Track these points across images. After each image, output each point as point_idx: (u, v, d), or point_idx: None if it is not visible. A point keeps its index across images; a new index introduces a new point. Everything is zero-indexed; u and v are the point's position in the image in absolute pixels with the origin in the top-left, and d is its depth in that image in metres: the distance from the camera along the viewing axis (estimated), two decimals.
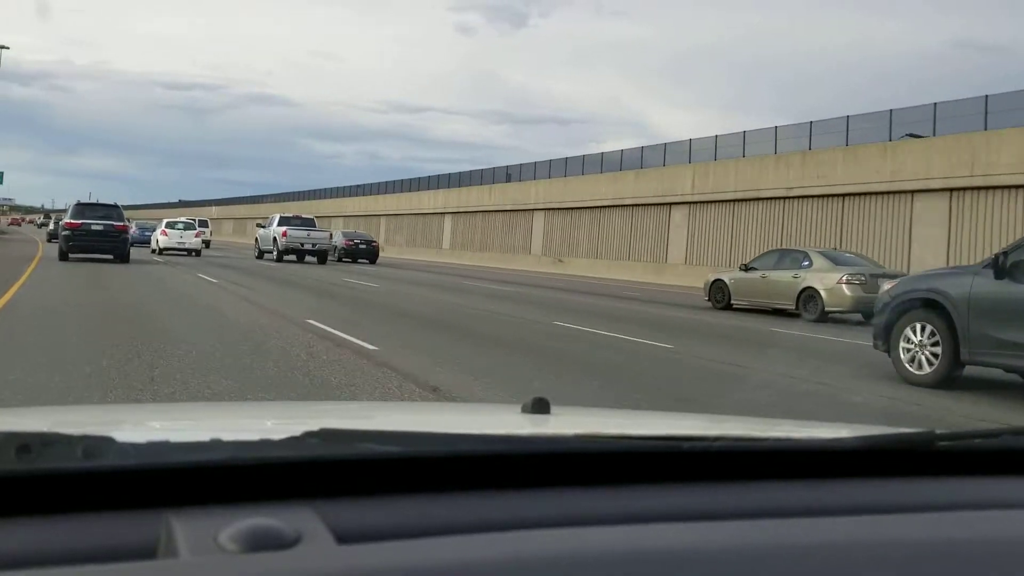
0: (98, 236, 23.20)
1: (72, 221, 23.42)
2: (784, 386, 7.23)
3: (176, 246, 34.17)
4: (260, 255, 35.13)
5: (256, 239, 36.69)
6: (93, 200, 27.02)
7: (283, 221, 34.46)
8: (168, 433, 1.28)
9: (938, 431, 1.05)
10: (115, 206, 25.04)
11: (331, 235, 36.01)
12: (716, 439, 1.03)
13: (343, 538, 0.72)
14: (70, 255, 22.79)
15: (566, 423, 1.43)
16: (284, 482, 0.80)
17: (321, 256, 33.39)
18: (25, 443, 0.79)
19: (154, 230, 37.66)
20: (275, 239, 33.34)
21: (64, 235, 23.49)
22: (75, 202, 25.46)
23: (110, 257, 23.15)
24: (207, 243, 44.79)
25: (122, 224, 23.87)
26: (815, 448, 1.06)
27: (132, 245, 28.78)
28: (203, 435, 0.99)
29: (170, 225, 36.13)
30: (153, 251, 34.51)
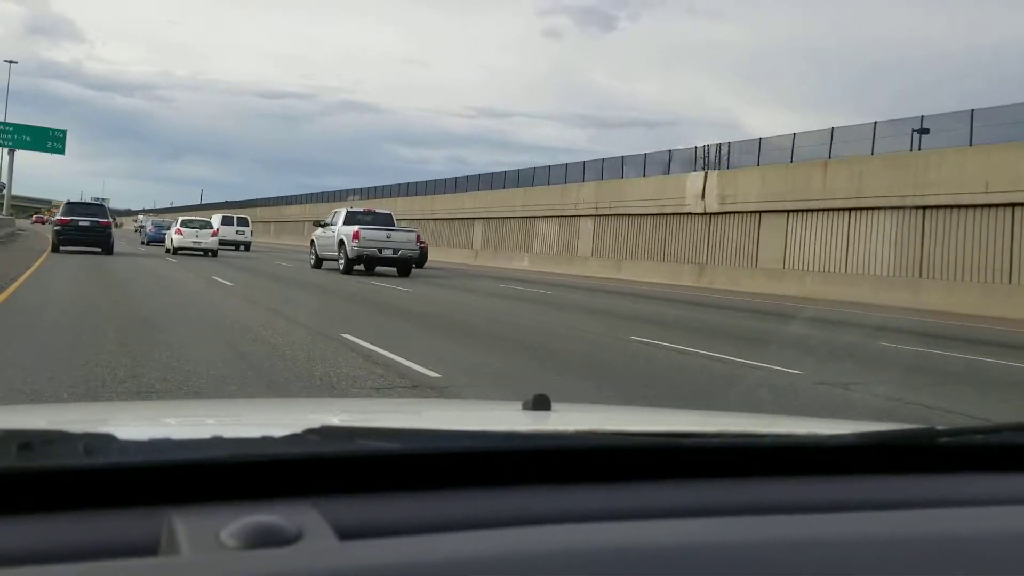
0: (85, 231, 27.15)
1: (62, 218, 27.59)
2: None
3: (191, 246, 32.41)
4: (318, 263, 26.25)
5: (312, 243, 27.07)
6: (84, 199, 35.51)
7: (351, 218, 24.95)
8: (169, 430, 1.28)
9: (938, 427, 1.05)
10: (101, 205, 30.94)
11: (418, 236, 25.06)
12: (716, 435, 1.03)
13: (344, 534, 0.72)
14: (61, 248, 26.60)
15: (566, 420, 1.43)
16: (285, 479, 0.80)
17: (404, 266, 24.18)
18: (26, 441, 0.80)
19: (169, 228, 36.58)
20: (342, 243, 23.93)
21: (55, 230, 27.53)
22: (65, 201, 29.75)
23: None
24: (247, 245, 42.81)
25: (106, 221, 27.97)
26: (815, 444, 1.06)
27: (148, 243, 41.53)
28: (204, 432, 1.00)
29: (185, 224, 34.18)
30: (167, 250, 33.03)
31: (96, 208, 29.32)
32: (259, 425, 1.39)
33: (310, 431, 0.87)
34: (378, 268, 24.48)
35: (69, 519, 0.73)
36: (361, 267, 24.25)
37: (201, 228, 33.61)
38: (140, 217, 66.47)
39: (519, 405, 1.38)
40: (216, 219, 40.95)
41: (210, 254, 32.16)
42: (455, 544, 0.72)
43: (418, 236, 25.07)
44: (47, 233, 34.87)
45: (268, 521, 0.70)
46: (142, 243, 43.64)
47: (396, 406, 2.67)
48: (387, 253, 23.81)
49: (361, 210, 26.71)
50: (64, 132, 57.99)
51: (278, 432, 0.87)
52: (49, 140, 57.18)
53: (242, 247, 42.54)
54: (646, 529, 0.78)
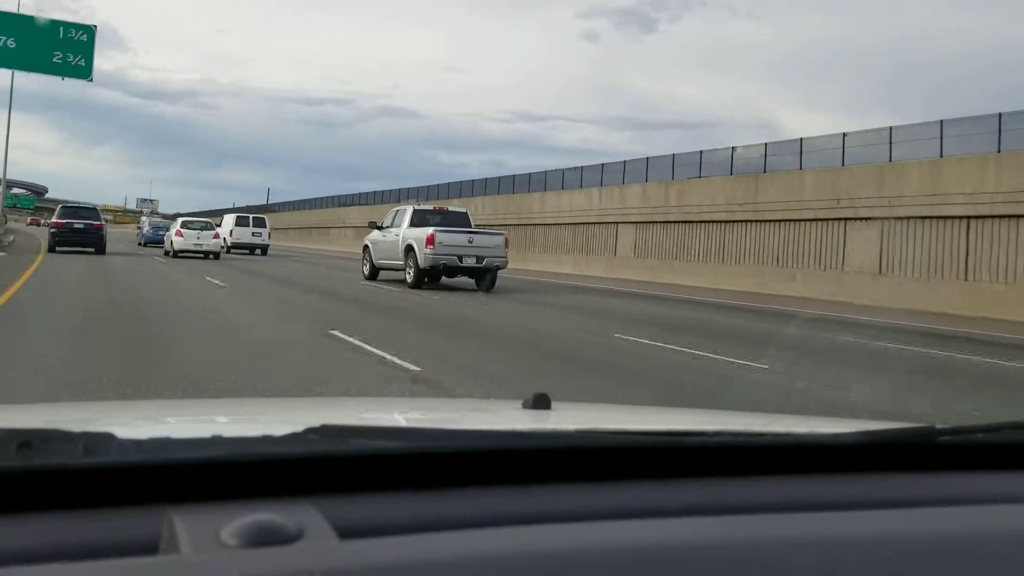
0: (79, 233, 29.05)
1: (58, 221, 29.55)
2: None
3: (193, 248, 30.93)
4: (373, 273, 21.22)
5: (366, 250, 21.77)
6: (78, 204, 34.04)
7: (420, 219, 19.90)
8: (169, 429, 1.28)
9: (939, 426, 1.05)
10: (93, 209, 31.87)
11: (506, 241, 19.74)
12: (716, 434, 1.03)
13: (345, 533, 0.72)
14: (57, 248, 28.33)
15: (567, 419, 1.42)
16: (285, 478, 0.80)
17: (488, 277, 19.04)
18: (26, 440, 0.79)
19: (168, 230, 34.82)
20: (411, 249, 18.87)
21: (52, 232, 29.47)
22: (60, 206, 31.65)
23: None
24: (264, 248, 38.15)
25: (99, 223, 29.73)
26: (816, 443, 1.06)
27: (146, 245, 40.33)
28: (204, 431, 1.00)
29: (186, 225, 32.40)
30: (167, 252, 31.59)
31: (89, 212, 31.04)
32: (259, 424, 1.39)
33: (310, 430, 0.87)
34: (445, 280, 19.44)
35: (69, 518, 0.73)
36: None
37: (203, 229, 32.10)
38: (143, 218, 63.97)
39: (519, 404, 1.38)
40: (229, 219, 38.76)
41: (212, 256, 30.89)
42: (455, 543, 0.72)
43: (506, 240, 19.54)
44: (42, 236, 34.23)
45: (268, 520, 0.70)
46: (139, 244, 41.60)
47: (396, 405, 2.66)
48: (469, 262, 18.56)
49: (431, 208, 21.44)
50: (92, 31, 32.67)
51: (278, 431, 0.87)
52: (68, 51, 32.00)
53: (258, 251, 38.53)
54: (647, 528, 0.78)
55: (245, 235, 38.50)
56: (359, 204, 62.82)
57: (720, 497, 0.89)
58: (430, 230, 18.72)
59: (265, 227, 39.63)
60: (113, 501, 0.75)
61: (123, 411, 1.68)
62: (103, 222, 30.32)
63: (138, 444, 0.92)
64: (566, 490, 0.87)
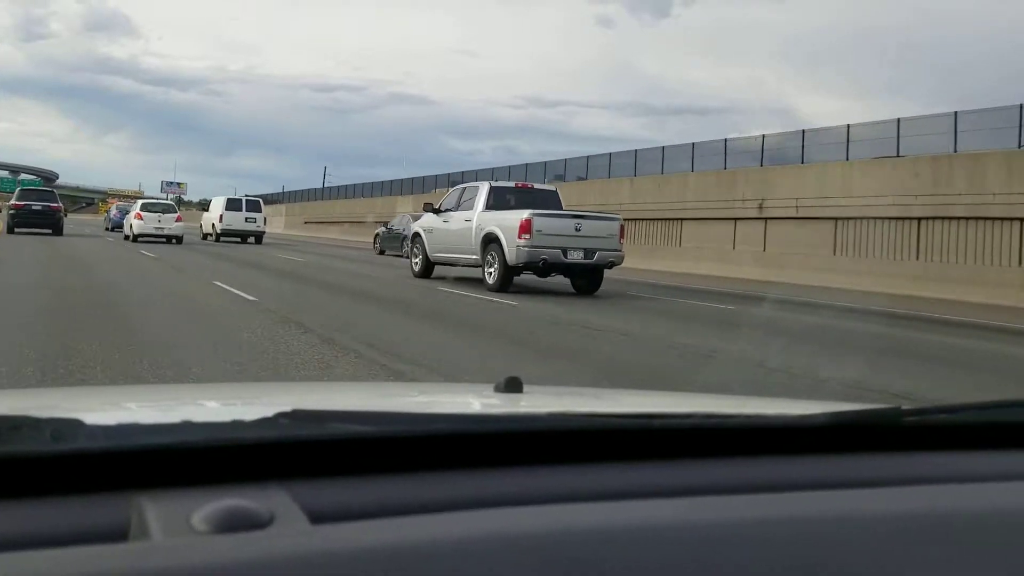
0: (37, 215, 29.94)
1: (17, 203, 30.30)
2: None
3: (153, 232, 29.38)
4: (427, 270, 16.50)
5: (416, 240, 16.86)
6: (34, 187, 36.33)
7: (499, 198, 15.08)
8: (138, 415, 1.27)
9: (904, 407, 1.07)
10: (51, 192, 33.18)
11: (621, 228, 14.87)
12: (686, 416, 1.04)
13: (317, 518, 0.72)
14: (15, 229, 29.08)
15: (539, 402, 1.43)
16: (256, 463, 0.79)
17: (594, 277, 14.60)
18: None
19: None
20: (492, 240, 14.16)
21: (10, 214, 30.12)
22: (19, 188, 33.39)
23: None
24: (258, 236, 33.50)
25: (56, 205, 30.72)
26: (784, 425, 1.08)
27: (113, 229, 39.44)
28: (174, 416, 0.99)
29: (146, 208, 30.99)
30: (127, 237, 30.33)
31: (47, 194, 32.40)
32: (230, 408, 1.37)
33: (281, 414, 0.86)
34: (517, 279, 14.54)
35: (37, 506, 0.72)
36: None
37: (164, 212, 30.66)
38: (113, 205, 61.07)
39: (491, 388, 1.38)
40: (219, 202, 34.55)
41: (174, 241, 29.25)
42: (428, 526, 0.72)
43: (622, 228, 14.57)
44: None
45: (239, 505, 0.70)
46: (106, 229, 40.34)
47: (368, 389, 2.65)
48: (575, 256, 13.66)
49: (512, 185, 16.14)
50: None
51: (249, 415, 0.87)
52: None
53: (252, 239, 33.66)
54: (618, 510, 0.79)
55: (237, 220, 33.74)
56: (376, 195, 56.16)
57: (691, 478, 0.90)
58: (524, 214, 13.62)
59: (260, 211, 34.76)
60: (82, 488, 0.74)
61: (91, 396, 1.66)
62: (60, 205, 31.33)
63: (107, 430, 0.91)
64: (538, 473, 0.87)
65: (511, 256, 13.65)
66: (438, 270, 16.76)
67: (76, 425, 0.83)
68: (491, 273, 14.15)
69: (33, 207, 30.07)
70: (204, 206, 38.40)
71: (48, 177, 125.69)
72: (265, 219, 35.03)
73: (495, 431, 0.94)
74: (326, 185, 74.27)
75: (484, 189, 15.24)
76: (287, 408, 0.88)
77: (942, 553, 0.79)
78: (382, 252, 30.85)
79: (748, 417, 1.13)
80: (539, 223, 13.69)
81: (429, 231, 16.40)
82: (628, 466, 0.91)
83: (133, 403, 1.44)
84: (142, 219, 29.89)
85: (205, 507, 0.69)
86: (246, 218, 33.82)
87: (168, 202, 34.17)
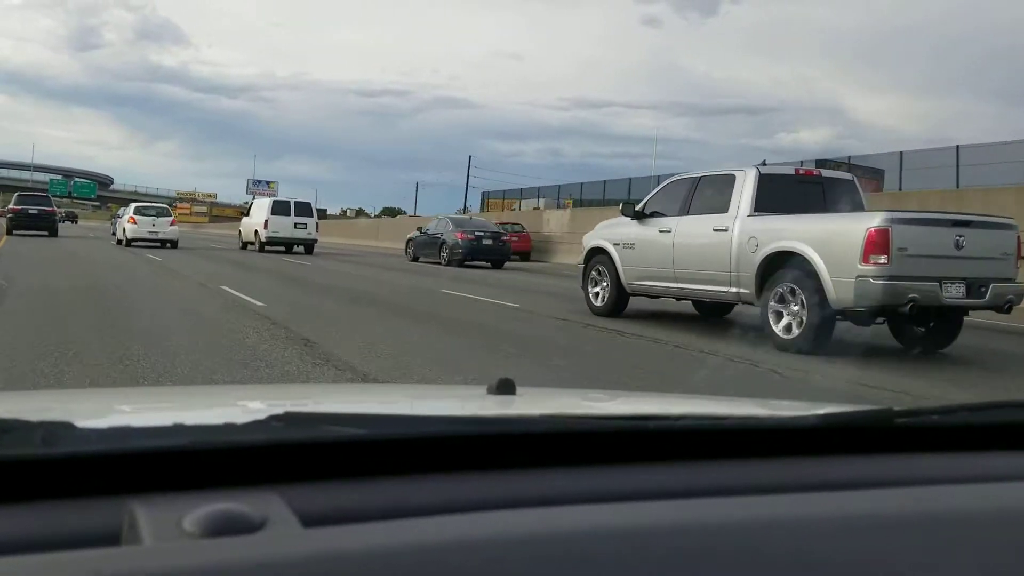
0: (33, 218, 32.59)
1: (15, 207, 33.18)
2: None
3: (147, 236, 28.49)
4: (618, 304, 10.88)
5: (596, 257, 11.23)
6: (38, 193, 39.11)
7: (771, 191, 9.23)
8: (130, 418, 1.26)
9: (896, 408, 1.07)
10: (46, 196, 36.92)
11: (1020, 240, 8.41)
12: (680, 418, 1.04)
13: (309, 521, 0.71)
14: (14, 231, 31.52)
15: (532, 404, 1.43)
16: (248, 466, 0.79)
17: (954, 323, 8.60)
18: None
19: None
20: (798, 266, 8.21)
21: (9, 217, 33.06)
22: (16, 194, 35.64)
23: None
24: (309, 245, 29.04)
25: (51, 209, 33.82)
26: (777, 426, 1.08)
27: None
28: (166, 420, 0.99)
29: (140, 211, 29.87)
30: (119, 242, 29.52)
31: (43, 199, 35.40)
32: (221, 412, 1.37)
33: (273, 417, 0.86)
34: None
35: (28, 510, 0.72)
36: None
37: (158, 216, 29.68)
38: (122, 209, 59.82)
39: (483, 389, 1.38)
40: (262, 205, 29.89)
41: (169, 245, 27.99)
42: (420, 529, 0.72)
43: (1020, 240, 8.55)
44: None
45: (231, 509, 0.70)
46: (113, 233, 38.65)
47: (360, 392, 2.64)
48: (956, 292, 8.03)
49: (790, 171, 10.28)
50: None
51: (241, 419, 0.86)
52: None
53: (300, 246, 29.26)
54: (612, 512, 0.78)
55: (285, 227, 28.63)
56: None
57: (685, 480, 0.90)
58: (871, 219, 7.99)
59: (312, 215, 29.57)
60: (74, 492, 0.74)
61: (84, 400, 1.66)
62: (55, 208, 34.66)
63: (99, 433, 0.91)
64: (532, 475, 0.87)
65: (842, 294, 7.92)
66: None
67: (68, 428, 0.83)
68: (784, 321, 8.42)
69: (30, 211, 32.75)
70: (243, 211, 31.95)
71: (102, 181, 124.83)
72: (317, 225, 29.93)
73: (488, 433, 0.94)
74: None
75: (748, 180, 9.34)
76: (279, 411, 0.88)
77: (935, 555, 0.79)
78: (415, 259, 27.58)
79: (741, 419, 1.13)
80: (903, 235, 7.83)
81: (626, 245, 10.67)
82: (622, 468, 0.91)
83: (126, 406, 1.44)
84: (136, 223, 29.19)
85: (197, 511, 0.69)
86: (295, 224, 28.88)
87: (163, 206, 33.47)
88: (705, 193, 9.97)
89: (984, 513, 0.87)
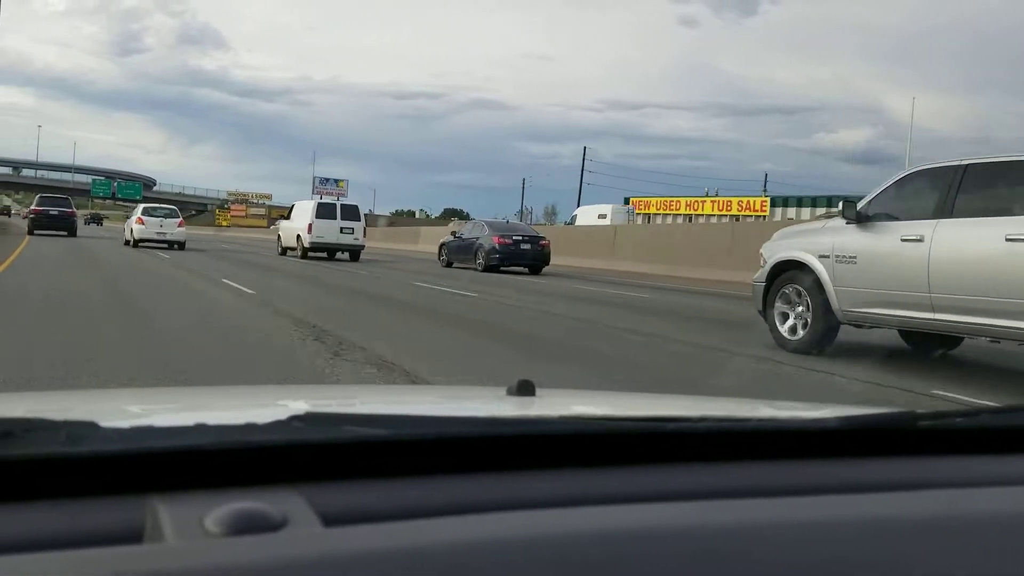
0: (54, 218, 34.05)
1: (36, 208, 34.85)
2: None
3: (155, 237, 28.47)
4: (824, 339, 7.80)
5: (803, 275, 7.91)
6: (52, 195, 40.10)
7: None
8: (152, 418, 1.27)
9: (919, 411, 1.06)
10: (66, 198, 36.90)
11: None
12: (700, 420, 1.04)
13: (330, 521, 0.72)
14: (35, 231, 32.82)
15: (551, 405, 1.43)
16: (270, 466, 0.79)
17: None
18: (8, 429, 0.79)
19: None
20: None
21: (31, 218, 34.59)
22: (38, 195, 37.39)
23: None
24: (355, 252, 26.34)
25: (71, 210, 35.05)
26: (798, 428, 1.07)
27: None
28: (188, 419, 0.99)
29: (148, 212, 29.84)
30: (127, 242, 29.17)
31: (62, 200, 36.32)
32: (243, 412, 1.38)
33: (295, 417, 0.86)
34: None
35: (53, 508, 0.72)
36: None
37: (166, 217, 29.58)
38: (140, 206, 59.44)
39: (503, 391, 1.38)
40: (305, 208, 27.02)
41: (176, 246, 27.75)
42: (441, 529, 0.72)
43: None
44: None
45: (253, 508, 0.70)
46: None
47: (380, 392, 2.65)
48: None
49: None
50: None
51: (262, 419, 0.87)
52: None
53: (345, 252, 26.64)
54: (631, 513, 0.78)
55: (330, 231, 26.03)
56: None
57: (705, 482, 0.89)
58: None
59: (359, 220, 26.90)
60: (97, 490, 0.74)
61: (106, 399, 1.67)
62: (74, 209, 35.92)
63: (121, 433, 0.91)
64: (552, 476, 0.87)
65: None
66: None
67: (91, 427, 0.83)
68: None
69: (50, 212, 34.37)
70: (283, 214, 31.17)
71: (146, 183, 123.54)
72: (364, 230, 27.34)
73: (508, 434, 0.94)
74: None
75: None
76: (300, 411, 0.88)
77: (957, 558, 0.78)
78: (449, 264, 25.45)
79: (761, 420, 1.13)
80: None
81: (843, 258, 7.76)
82: (641, 469, 0.91)
83: (148, 406, 1.44)
84: (144, 224, 29.10)
85: (218, 509, 0.69)
86: (342, 228, 26.23)
87: (170, 207, 32.83)
88: (979, 188, 7.02)
89: (1008, 516, 0.86)
